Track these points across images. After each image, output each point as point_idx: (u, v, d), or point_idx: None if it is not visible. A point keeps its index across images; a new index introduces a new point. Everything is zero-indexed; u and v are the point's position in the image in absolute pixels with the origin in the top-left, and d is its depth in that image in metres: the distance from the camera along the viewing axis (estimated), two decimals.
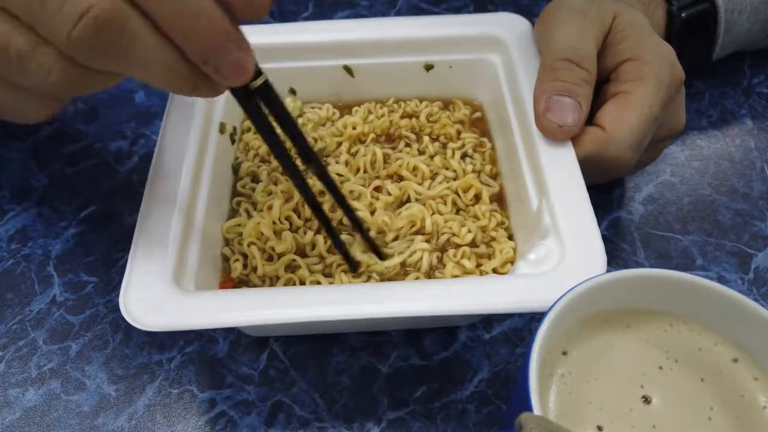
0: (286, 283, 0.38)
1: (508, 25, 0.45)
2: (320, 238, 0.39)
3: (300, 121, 0.47)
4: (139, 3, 0.25)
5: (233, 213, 0.42)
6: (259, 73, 0.30)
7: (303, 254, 0.39)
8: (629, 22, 0.41)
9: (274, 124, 0.33)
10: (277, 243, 0.39)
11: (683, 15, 0.47)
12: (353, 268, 0.38)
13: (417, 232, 0.40)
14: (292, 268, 0.39)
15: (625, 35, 0.41)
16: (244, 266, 0.39)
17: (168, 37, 0.26)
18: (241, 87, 0.29)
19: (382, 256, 0.38)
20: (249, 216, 0.41)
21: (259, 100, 0.31)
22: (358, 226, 0.38)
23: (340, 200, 0.37)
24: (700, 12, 0.47)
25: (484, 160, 0.44)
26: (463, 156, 0.44)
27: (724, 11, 0.47)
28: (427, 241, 0.39)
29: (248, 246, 0.39)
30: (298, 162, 0.35)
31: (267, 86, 0.31)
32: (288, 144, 0.34)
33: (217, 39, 0.26)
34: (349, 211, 0.37)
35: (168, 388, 0.38)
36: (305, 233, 0.40)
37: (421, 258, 0.38)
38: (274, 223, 0.40)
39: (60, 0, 0.24)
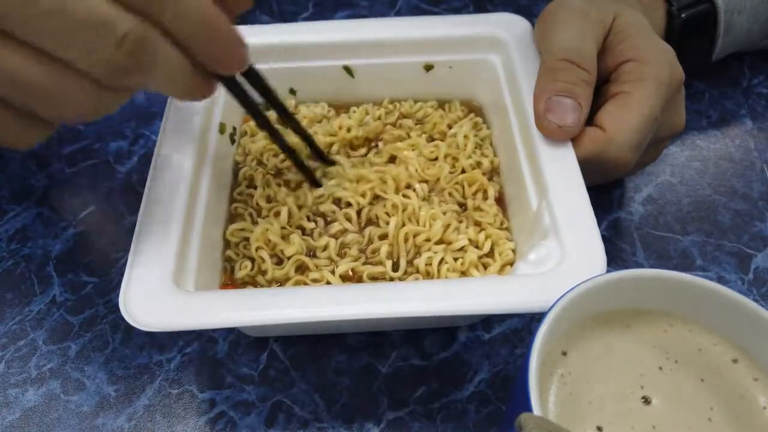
0: (295, 285, 0.38)
1: (508, 26, 0.45)
2: (332, 242, 0.39)
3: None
4: (157, 20, 0.27)
5: (232, 217, 0.41)
6: None
7: (313, 255, 0.39)
8: (629, 22, 0.41)
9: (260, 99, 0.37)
10: (286, 246, 0.38)
11: (683, 15, 0.47)
12: (316, 183, 0.42)
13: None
14: (301, 269, 0.39)
15: (625, 36, 0.41)
16: (251, 268, 0.38)
17: (182, 46, 0.28)
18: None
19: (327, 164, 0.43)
20: (253, 220, 0.41)
21: (244, 81, 0.35)
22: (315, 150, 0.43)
23: (311, 142, 0.42)
24: (700, 12, 0.47)
25: (487, 156, 0.44)
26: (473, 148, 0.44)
27: (724, 12, 0.47)
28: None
29: (256, 250, 0.38)
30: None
31: (252, 68, 0.35)
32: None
33: (225, 41, 0.29)
34: (312, 144, 0.42)
35: (168, 389, 0.38)
36: (320, 235, 0.40)
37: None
38: (283, 228, 0.39)
39: (95, 29, 0.25)
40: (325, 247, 0.39)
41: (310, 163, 0.43)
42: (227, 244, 0.40)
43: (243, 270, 0.38)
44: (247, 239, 0.39)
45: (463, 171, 0.43)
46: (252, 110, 0.37)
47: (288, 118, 0.40)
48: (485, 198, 0.42)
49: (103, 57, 0.26)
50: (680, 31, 0.47)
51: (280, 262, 0.39)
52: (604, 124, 0.38)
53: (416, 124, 0.47)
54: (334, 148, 0.45)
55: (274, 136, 0.39)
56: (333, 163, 0.43)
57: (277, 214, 0.40)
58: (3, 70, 0.26)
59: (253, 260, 0.39)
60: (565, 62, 0.39)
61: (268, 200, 0.42)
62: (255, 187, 0.42)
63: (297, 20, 0.61)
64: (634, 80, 0.39)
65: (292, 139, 0.41)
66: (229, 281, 0.38)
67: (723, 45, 0.49)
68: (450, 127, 0.46)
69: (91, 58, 0.26)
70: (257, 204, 0.41)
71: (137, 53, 0.26)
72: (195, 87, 0.30)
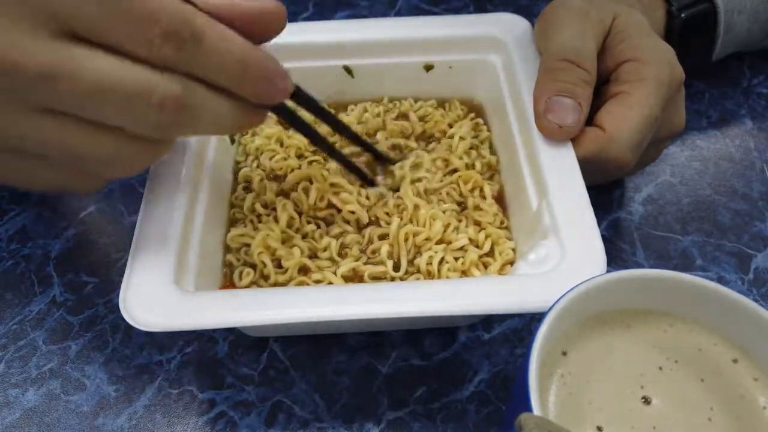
0: (298, 285, 0.37)
1: (508, 26, 0.45)
2: (333, 242, 0.39)
3: None
4: (196, 74, 0.28)
5: (232, 221, 0.41)
6: None
7: (314, 257, 0.39)
8: (629, 22, 0.41)
9: (306, 114, 0.38)
10: (287, 252, 0.38)
11: (683, 15, 0.47)
12: (370, 183, 0.42)
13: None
14: (303, 270, 0.38)
15: (625, 36, 0.41)
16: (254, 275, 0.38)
17: (224, 90, 0.29)
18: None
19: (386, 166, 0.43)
20: (254, 225, 0.40)
21: (291, 101, 0.35)
22: (369, 147, 0.43)
23: (366, 145, 0.43)
24: (700, 12, 0.47)
25: (484, 157, 0.44)
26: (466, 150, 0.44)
27: (724, 12, 0.47)
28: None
29: (258, 255, 0.38)
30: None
31: (298, 90, 0.34)
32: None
33: (268, 77, 0.30)
34: (369, 146, 0.43)
35: (168, 389, 0.38)
36: (321, 237, 0.39)
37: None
38: (283, 232, 0.39)
39: (135, 99, 0.26)
40: (326, 248, 0.39)
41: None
42: (227, 248, 0.40)
43: (246, 277, 0.38)
44: (247, 245, 0.39)
45: (456, 170, 0.43)
46: (307, 133, 0.38)
47: (344, 130, 0.41)
48: (483, 197, 0.42)
49: (147, 121, 0.27)
50: (680, 31, 0.47)
51: (281, 265, 0.39)
52: (604, 123, 0.38)
53: (413, 123, 0.47)
54: (338, 145, 0.45)
55: (332, 152, 0.40)
56: (393, 161, 0.44)
57: (277, 220, 0.40)
58: (56, 142, 0.27)
59: (254, 266, 0.39)
60: (565, 62, 0.39)
61: (265, 206, 0.41)
62: (252, 190, 0.42)
63: (297, 20, 0.61)
64: (634, 80, 0.39)
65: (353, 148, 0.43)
66: (229, 285, 0.38)
67: (723, 45, 0.49)
68: (451, 126, 0.46)
69: (136, 124, 0.28)
70: (254, 209, 0.41)
71: (180, 111, 0.27)
72: (243, 122, 0.31)
